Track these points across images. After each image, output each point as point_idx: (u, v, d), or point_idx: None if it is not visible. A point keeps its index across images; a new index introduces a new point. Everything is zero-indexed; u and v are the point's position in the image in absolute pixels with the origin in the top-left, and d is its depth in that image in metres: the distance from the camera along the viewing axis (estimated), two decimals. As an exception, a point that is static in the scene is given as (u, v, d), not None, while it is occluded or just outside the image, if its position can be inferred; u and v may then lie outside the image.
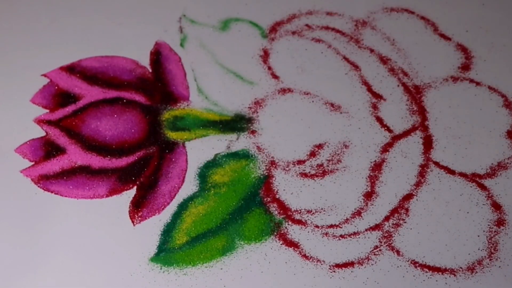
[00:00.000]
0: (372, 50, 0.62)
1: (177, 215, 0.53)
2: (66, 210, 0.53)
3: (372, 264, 0.50)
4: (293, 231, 0.52)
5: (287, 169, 0.55)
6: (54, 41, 0.63)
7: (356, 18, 0.64)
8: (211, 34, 0.62)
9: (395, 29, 0.64)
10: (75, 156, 0.56)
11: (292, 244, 0.51)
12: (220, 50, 0.61)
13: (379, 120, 0.58)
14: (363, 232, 0.52)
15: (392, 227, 0.52)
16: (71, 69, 0.61)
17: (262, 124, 0.57)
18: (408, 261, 0.50)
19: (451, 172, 0.55)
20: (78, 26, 0.64)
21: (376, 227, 0.52)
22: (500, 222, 0.52)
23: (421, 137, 0.57)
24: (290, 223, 0.52)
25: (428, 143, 0.56)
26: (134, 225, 0.52)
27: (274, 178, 0.55)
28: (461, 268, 0.50)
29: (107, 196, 0.54)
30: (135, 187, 0.54)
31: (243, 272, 0.50)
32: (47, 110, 0.58)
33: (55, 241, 0.51)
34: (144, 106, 0.58)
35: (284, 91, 0.59)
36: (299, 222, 0.52)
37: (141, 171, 0.55)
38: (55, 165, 0.55)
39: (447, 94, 0.59)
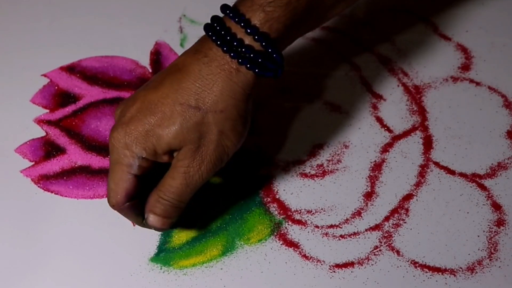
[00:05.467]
0: (372, 50, 0.62)
1: (177, 215, 0.53)
2: (66, 210, 0.53)
3: (372, 264, 0.50)
4: (293, 231, 0.52)
5: (287, 169, 0.55)
6: (54, 41, 0.63)
7: (356, 18, 0.64)
8: (211, 34, 0.62)
9: (395, 29, 0.64)
10: (75, 156, 0.56)
11: (292, 244, 0.51)
12: (220, 50, 0.61)
13: (379, 120, 0.58)
14: (363, 232, 0.52)
15: (392, 227, 0.52)
16: (71, 69, 0.61)
17: (262, 124, 0.57)
18: (408, 261, 0.50)
19: (451, 172, 0.55)
20: (78, 26, 0.64)
21: (376, 227, 0.52)
22: (500, 222, 0.52)
23: (421, 137, 0.57)
24: (290, 223, 0.52)
25: (428, 143, 0.56)
26: (134, 225, 0.52)
27: (274, 178, 0.55)
28: (461, 268, 0.50)
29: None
30: (135, 187, 0.54)
31: (243, 272, 0.50)
32: (47, 110, 0.58)
33: (55, 241, 0.51)
34: (144, 106, 0.58)
35: (284, 91, 0.59)
36: (299, 222, 0.52)
37: (141, 171, 0.55)
38: (55, 165, 0.55)
39: (447, 94, 0.59)
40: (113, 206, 0.47)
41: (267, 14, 0.43)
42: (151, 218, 0.46)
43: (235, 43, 0.43)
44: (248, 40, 0.44)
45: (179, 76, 0.44)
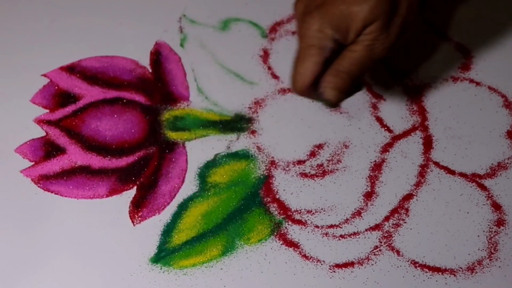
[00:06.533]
0: (372, 50, 0.62)
1: (177, 215, 0.53)
2: (66, 210, 0.53)
3: (372, 264, 0.50)
4: (293, 231, 0.52)
5: (287, 169, 0.55)
6: (54, 41, 0.63)
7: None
8: (211, 34, 0.62)
9: (395, 29, 0.63)
10: (75, 156, 0.56)
11: (292, 244, 0.51)
12: (220, 50, 0.61)
13: (379, 120, 0.58)
14: (363, 232, 0.52)
15: (392, 227, 0.52)
16: (71, 69, 0.61)
17: (262, 124, 0.57)
18: (408, 261, 0.50)
19: (451, 172, 0.55)
20: (78, 26, 0.64)
21: (376, 227, 0.52)
22: (500, 222, 0.52)
23: (421, 137, 0.57)
24: (290, 223, 0.52)
25: (428, 143, 0.56)
26: (134, 225, 0.52)
27: (274, 178, 0.55)
28: (461, 268, 0.50)
29: (107, 196, 0.54)
30: (135, 187, 0.54)
31: (243, 272, 0.50)
32: (47, 110, 0.58)
33: (55, 241, 0.51)
34: (144, 106, 0.58)
35: (284, 91, 0.59)
36: (299, 222, 0.52)
37: (141, 171, 0.55)
38: (55, 165, 0.55)
39: (447, 94, 0.59)
40: (299, 91, 0.47)
41: None
42: (328, 91, 0.47)
43: None
44: None
45: None
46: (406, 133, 0.57)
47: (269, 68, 0.60)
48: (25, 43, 0.63)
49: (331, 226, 0.52)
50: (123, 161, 0.56)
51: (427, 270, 0.50)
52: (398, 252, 0.51)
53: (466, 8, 0.65)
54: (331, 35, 0.45)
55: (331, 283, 0.49)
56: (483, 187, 0.54)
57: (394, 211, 0.53)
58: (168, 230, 0.52)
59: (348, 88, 0.47)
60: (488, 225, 0.52)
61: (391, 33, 0.46)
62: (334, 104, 0.48)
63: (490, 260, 0.50)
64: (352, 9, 0.45)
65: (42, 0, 0.66)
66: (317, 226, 0.52)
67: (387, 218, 0.52)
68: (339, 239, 0.51)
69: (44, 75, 0.60)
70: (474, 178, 0.54)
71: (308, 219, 0.52)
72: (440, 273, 0.50)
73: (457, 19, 0.64)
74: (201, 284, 0.49)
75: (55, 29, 0.64)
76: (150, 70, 0.61)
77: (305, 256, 0.51)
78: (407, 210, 0.53)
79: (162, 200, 0.54)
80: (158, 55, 0.62)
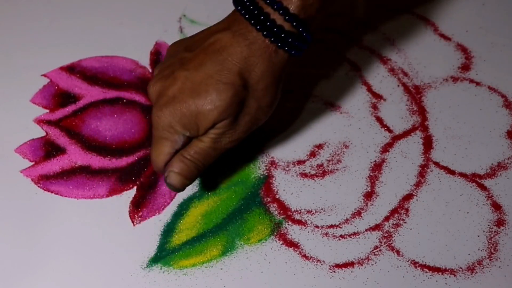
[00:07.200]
0: (372, 50, 0.62)
1: (177, 215, 0.53)
2: (66, 210, 0.53)
3: (372, 264, 0.50)
4: (293, 231, 0.52)
5: (287, 169, 0.55)
6: (54, 41, 0.63)
7: (356, 18, 0.64)
8: (211, 34, 0.62)
9: (395, 29, 0.64)
10: (75, 156, 0.56)
11: (292, 244, 0.51)
12: (220, 50, 0.61)
13: (379, 120, 0.58)
14: (363, 232, 0.52)
15: (392, 227, 0.52)
16: (71, 69, 0.61)
17: (262, 124, 0.57)
18: (408, 261, 0.50)
19: (451, 172, 0.55)
20: (78, 26, 0.64)
21: (376, 227, 0.52)
22: (500, 222, 0.52)
23: (421, 137, 0.57)
24: (290, 223, 0.52)
25: (428, 143, 0.56)
26: (134, 225, 0.52)
27: (274, 178, 0.55)
28: (461, 268, 0.50)
29: (107, 196, 0.54)
30: (135, 187, 0.54)
31: (243, 272, 0.50)
32: (47, 110, 0.58)
33: (55, 241, 0.51)
34: (144, 106, 0.58)
35: (284, 91, 0.59)
36: (299, 222, 0.52)
37: (141, 171, 0.55)
38: (55, 165, 0.55)
39: (447, 94, 0.59)
40: (157, 171, 0.50)
41: (303, 1, 0.45)
42: (172, 175, 0.48)
43: (269, 24, 0.45)
44: (280, 21, 0.45)
45: (220, 57, 0.46)
46: (406, 133, 0.57)
47: (269, 68, 0.60)
48: (25, 43, 0.63)
49: (331, 226, 0.52)
50: (123, 161, 0.56)
51: (427, 270, 0.50)
52: (398, 252, 0.51)
53: (466, 8, 0.65)
54: (181, 132, 0.47)
55: (331, 283, 0.49)
56: (483, 187, 0.54)
57: (394, 211, 0.53)
58: (168, 230, 0.52)
59: (192, 175, 0.49)
60: (488, 225, 0.52)
61: (238, 129, 0.48)
62: (178, 189, 0.49)
63: (490, 260, 0.50)
64: (202, 110, 0.46)
65: (42, 0, 0.66)
66: (317, 226, 0.52)
67: (387, 218, 0.52)
68: (339, 239, 0.51)
69: (44, 75, 0.61)
70: (474, 178, 0.54)
71: (308, 219, 0.52)
72: (440, 273, 0.50)
73: (457, 19, 0.64)
74: (201, 284, 0.49)
75: (55, 29, 0.64)
76: (150, 70, 0.61)
77: (305, 256, 0.51)
78: (407, 210, 0.53)
79: (162, 200, 0.54)
80: (158, 55, 0.62)
